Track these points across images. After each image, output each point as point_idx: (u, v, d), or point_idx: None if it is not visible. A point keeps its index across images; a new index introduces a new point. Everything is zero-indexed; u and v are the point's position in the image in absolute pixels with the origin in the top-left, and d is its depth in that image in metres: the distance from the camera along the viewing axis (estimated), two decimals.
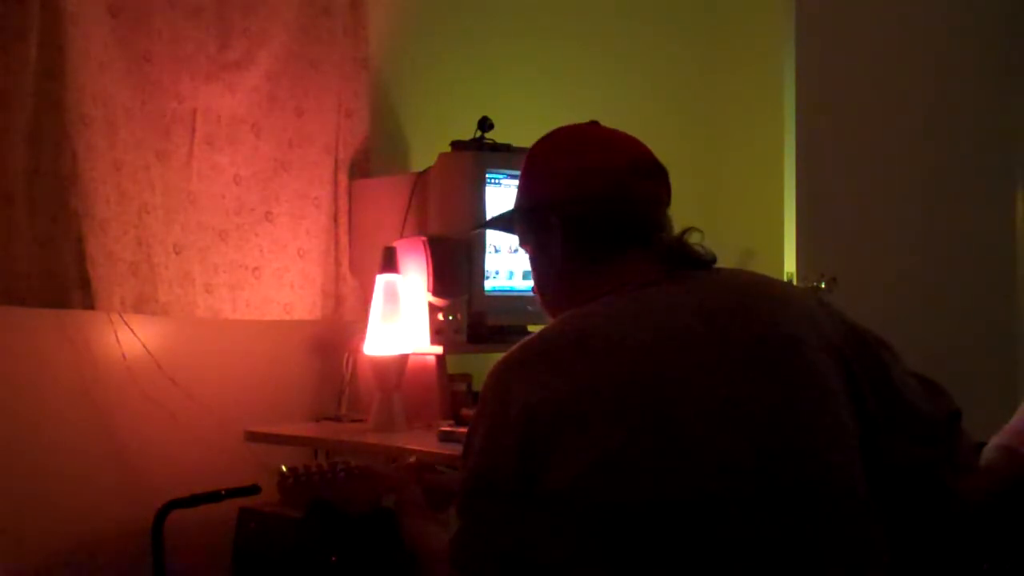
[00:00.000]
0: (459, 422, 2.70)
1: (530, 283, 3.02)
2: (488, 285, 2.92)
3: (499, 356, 1.63)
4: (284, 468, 2.07)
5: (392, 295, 2.83)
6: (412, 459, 2.12)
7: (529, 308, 2.90)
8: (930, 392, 1.73)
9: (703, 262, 1.70)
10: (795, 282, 3.48)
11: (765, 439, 1.53)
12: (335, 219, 3.16)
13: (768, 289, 1.70)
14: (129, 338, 2.83)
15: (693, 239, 1.71)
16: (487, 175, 2.91)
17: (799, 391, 1.58)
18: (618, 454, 1.48)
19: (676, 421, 1.51)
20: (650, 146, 1.78)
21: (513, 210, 1.82)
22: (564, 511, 1.50)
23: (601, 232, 1.69)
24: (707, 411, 1.52)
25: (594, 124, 1.79)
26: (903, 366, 1.71)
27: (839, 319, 1.69)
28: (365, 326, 2.85)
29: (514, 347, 1.62)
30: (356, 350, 2.95)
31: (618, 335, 1.57)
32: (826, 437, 1.58)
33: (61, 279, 2.58)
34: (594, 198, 1.69)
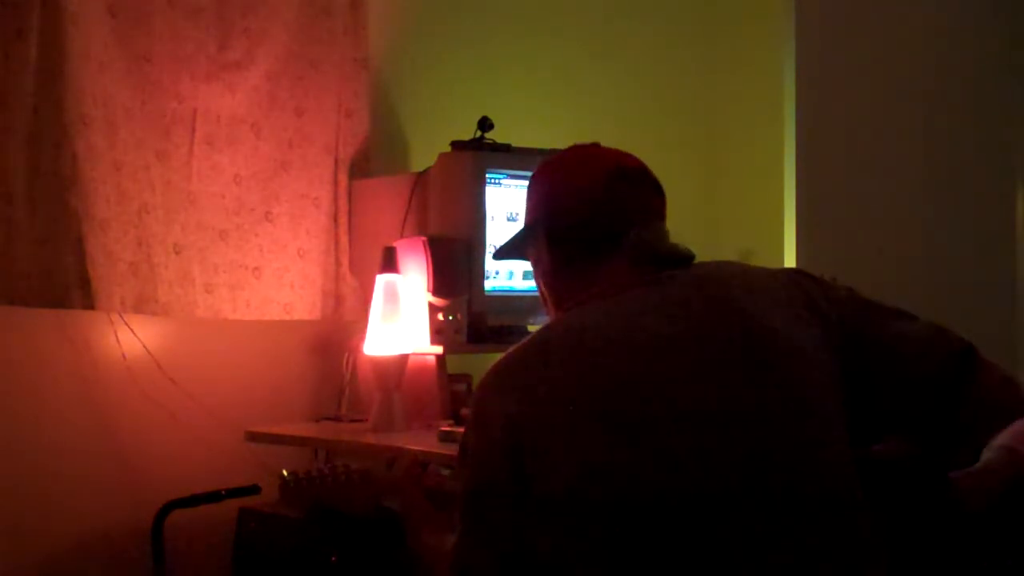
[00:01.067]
0: (459, 422, 2.70)
1: (530, 283, 3.04)
2: (488, 285, 2.92)
3: (499, 356, 1.65)
4: (285, 473, 2.08)
5: (392, 295, 2.82)
6: (411, 462, 2.12)
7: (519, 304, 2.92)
8: (925, 343, 1.71)
9: (683, 261, 1.71)
10: None
11: (752, 438, 1.53)
12: (335, 219, 3.16)
13: (750, 282, 1.70)
14: (129, 338, 2.83)
15: (668, 238, 1.74)
16: (487, 175, 2.91)
17: (785, 389, 1.58)
18: (607, 457, 1.50)
19: (665, 421, 1.52)
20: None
21: (517, 232, 1.88)
22: (559, 513, 1.51)
23: (581, 238, 1.74)
24: (692, 412, 1.53)
25: (593, 145, 1.84)
26: (895, 323, 1.71)
27: (825, 290, 1.70)
28: (365, 326, 2.85)
29: (503, 355, 1.64)
30: (356, 350, 2.95)
31: (604, 338, 1.59)
32: (815, 435, 1.58)
33: (61, 279, 2.58)
34: (574, 207, 1.75)
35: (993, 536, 1.97)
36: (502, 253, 1.95)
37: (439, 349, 2.83)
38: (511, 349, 1.65)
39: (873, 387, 1.67)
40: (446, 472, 2.07)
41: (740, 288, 1.67)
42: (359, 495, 2.07)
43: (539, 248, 1.79)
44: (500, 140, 2.96)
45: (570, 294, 1.73)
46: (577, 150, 1.83)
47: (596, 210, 1.73)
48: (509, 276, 2.96)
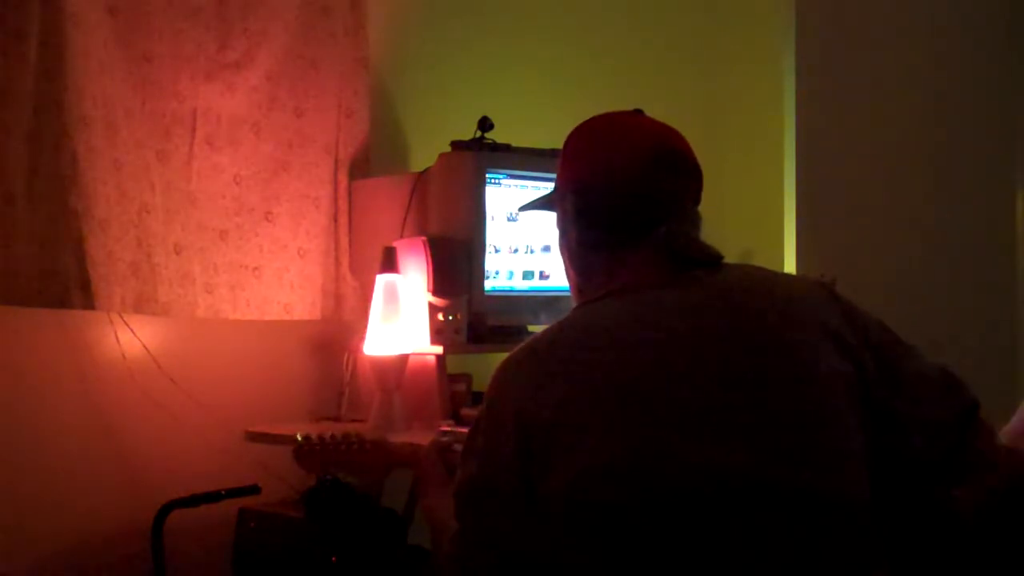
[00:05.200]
0: (459, 422, 2.70)
1: (530, 283, 3.06)
2: (488, 285, 2.92)
3: (499, 356, 1.64)
4: (299, 436, 2.09)
5: (392, 295, 2.83)
6: (446, 439, 2.12)
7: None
8: (944, 388, 1.68)
9: (710, 261, 1.69)
10: None
11: (762, 444, 1.52)
12: (335, 219, 3.16)
13: (774, 289, 1.68)
14: (129, 338, 2.83)
15: (700, 232, 1.71)
16: (487, 175, 2.91)
17: (800, 396, 1.57)
18: (615, 456, 1.49)
19: (673, 424, 1.51)
20: (674, 131, 1.77)
21: (548, 193, 1.83)
22: (562, 513, 1.50)
23: (613, 223, 1.69)
24: (703, 415, 1.52)
25: (636, 113, 1.78)
26: (916, 361, 1.68)
27: (851, 314, 1.67)
28: (365, 326, 2.85)
29: (513, 352, 1.62)
30: (356, 350, 2.95)
31: (615, 340, 1.57)
32: (827, 442, 1.57)
33: (61, 279, 2.58)
34: (608, 188, 1.69)
35: (993, 538, 1.97)
36: (530, 207, 1.90)
37: (439, 349, 2.83)
38: (521, 348, 1.62)
39: (887, 417, 1.63)
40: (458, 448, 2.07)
41: (762, 295, 1.65)
42: (372, 463, 2.08)
43: (566, 219, 1.73)
44: (500, 140, 2.96)
45: (593, 279, 1.69)
46: (620, 119, 1.75)
47: (630, 196, 1.67)
48: (509, 276, 2.96)
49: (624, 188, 1.68)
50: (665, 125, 1.76)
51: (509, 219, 2.93)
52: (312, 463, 2.10)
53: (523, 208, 1.94)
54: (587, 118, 1.78)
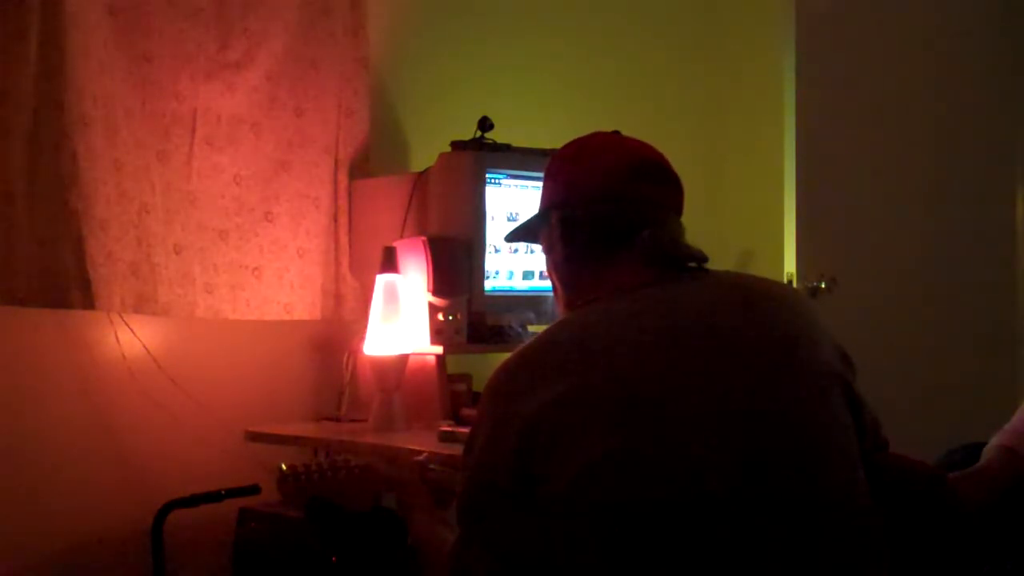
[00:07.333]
0: (459, 422, 2.70)
1: (530, 283, 3.05)
2: (488, 285, 2.92)
3: (499, 356, 1.65)
4: (283, 467, 2.08)
5: (392, 295, 2.82)
6: (423, 456, 2.12)
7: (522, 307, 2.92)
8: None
9: (698, 263, 1.70)
10: (795, 282, 3.48)
11: (763, 439, 1.52)
12: (335, 219, 3.16)
13: (767, 290, 1.70)
14: (129, 338, 2.83)
15: (685, 239, 1.73)
16: (487, 175, 2.91)
17: (799, 391, 1.58)
18: (615, 455, 1.49)
19: (672, 421, 1.51)
20: (651, 147, 1.78)
21: (531, 216, 1.87)
22: (563, 513, 1.50)
23: (597, 232, 1.72)
24: (704, 411, 1.52)
25: (614, 133, 1.83)
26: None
27: (828, 328, 1.70)
28: (365, 326, 2.85)
29: (511, 355, 1.63)
30: (356, 350, 2.95)
31: (613, 338, 1.58)
32: (826, 438, 1.58)
33: (61, 279, 2.58)
34: (590, 198, 1.73)
35: (993, 536, 1.97)
36: (514, 236, 1.94)
37: (439, 349, 2.83)
38: (519, 350, 1.63)
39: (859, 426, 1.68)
40: (437, 468, 2.07)
41: (761, 292, 1.67)
42: (358, 490, 2.07)
43: (552, 236, 1.77)
44: (500, 140, 2.96)
45: (581, 289, 1.72)
46: (599, 138, 1.81)
47: (615, 205, 1.71)
48: (509, 276, 2.96)
49: (605, 195, 1.72)
50: (642, 142, 1.80)
51: (509, 219, 2.93)
52: (296, 495, 2.09)
53: (508, 238, 1.98)
54: (577, 132, 1.82)
